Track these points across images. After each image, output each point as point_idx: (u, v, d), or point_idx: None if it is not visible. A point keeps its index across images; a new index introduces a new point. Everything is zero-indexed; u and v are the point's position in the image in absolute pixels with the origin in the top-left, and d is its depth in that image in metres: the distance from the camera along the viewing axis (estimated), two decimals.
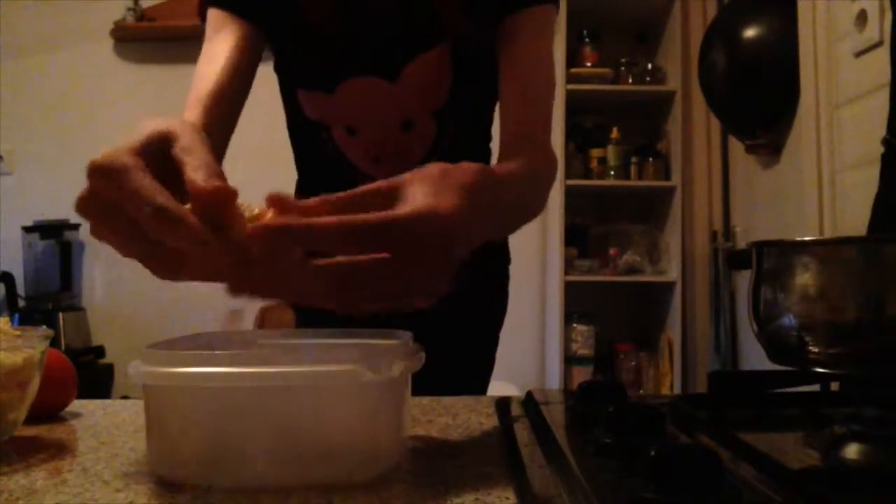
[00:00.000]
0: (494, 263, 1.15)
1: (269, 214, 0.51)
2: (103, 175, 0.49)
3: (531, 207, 0.79)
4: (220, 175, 0.51)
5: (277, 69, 1.01)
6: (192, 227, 0.47)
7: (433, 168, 0.57)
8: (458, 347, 1.04)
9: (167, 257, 0.50)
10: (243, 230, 0.49)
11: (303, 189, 1.11)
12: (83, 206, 0.50)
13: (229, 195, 0.49)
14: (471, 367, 1.11)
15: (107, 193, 0.49)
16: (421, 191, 0.53)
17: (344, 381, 0.50)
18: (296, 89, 0.99)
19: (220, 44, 0.88)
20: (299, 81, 0.98)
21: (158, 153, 0.52)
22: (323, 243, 0.49)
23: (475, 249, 0.57)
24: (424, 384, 0.80)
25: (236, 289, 0.49)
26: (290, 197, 0.53)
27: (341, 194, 0.54)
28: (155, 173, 0.49)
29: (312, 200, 0.53)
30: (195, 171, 0.50)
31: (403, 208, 0.51)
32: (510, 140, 0.84)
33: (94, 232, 0.51)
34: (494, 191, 0.62)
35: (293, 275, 0.50)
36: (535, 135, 0.86)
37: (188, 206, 0.49)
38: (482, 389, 1.12)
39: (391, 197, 0.53)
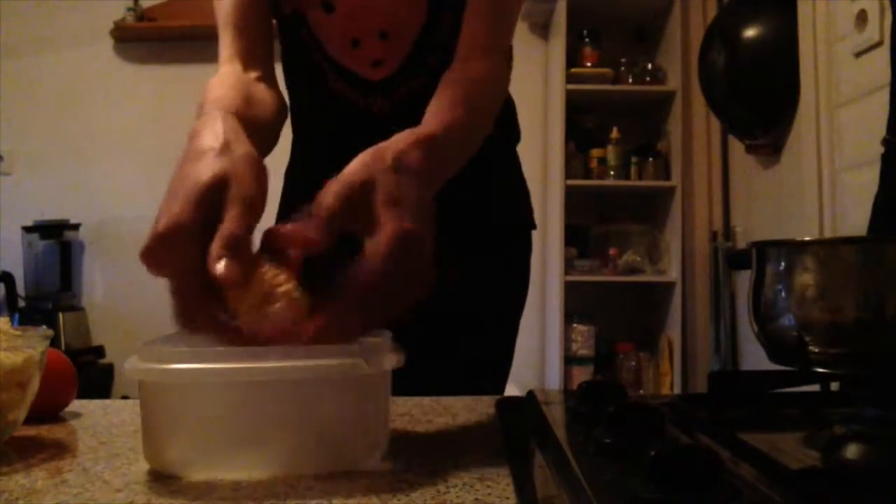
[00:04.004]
0: (512, 224, 1.06)
1: (285, 285, 0.54)
2: (171, 243, 0.53)
3: (482, 130, 0.80)
4: (236, 246, 0.53)
5: None
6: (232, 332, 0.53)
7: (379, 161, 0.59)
8: (470, 338, 0.98)
9: None
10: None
11: (298, 132, 1.05)
12: (153, 259, 0.53)
13: (229, 282, 0.52)
14: (484, 361, 1.00)
15: (175, 260, 0.53)
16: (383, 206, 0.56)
17: (340, 375, 0.52)
18: None
19: None
20: None
21: (218, 198, 0.55)
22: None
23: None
24: (430, 382, 0.80)
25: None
26: (277, 231, 0.56)
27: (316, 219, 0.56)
28: (214, 215, 0.54)
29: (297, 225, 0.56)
30: (216, 241, 0.53)
31: (372, 255, 0.54)
32: (463, 53, 0.83)
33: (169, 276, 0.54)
34: (443, 152, 0.67)
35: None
36: (491, 46, 0.84)
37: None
38: (498, 388, 1.00)
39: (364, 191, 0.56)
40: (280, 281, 0.54)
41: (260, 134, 0.74)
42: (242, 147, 0.59)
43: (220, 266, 0.52)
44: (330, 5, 0.90)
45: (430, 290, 0.56)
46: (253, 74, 0.85)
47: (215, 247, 0.52)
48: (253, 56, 0.86)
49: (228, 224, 0.53)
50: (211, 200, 0.54)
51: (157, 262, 0.53)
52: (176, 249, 0.53)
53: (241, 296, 0.53)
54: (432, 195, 0.63)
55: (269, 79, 0.88)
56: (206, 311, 0.54)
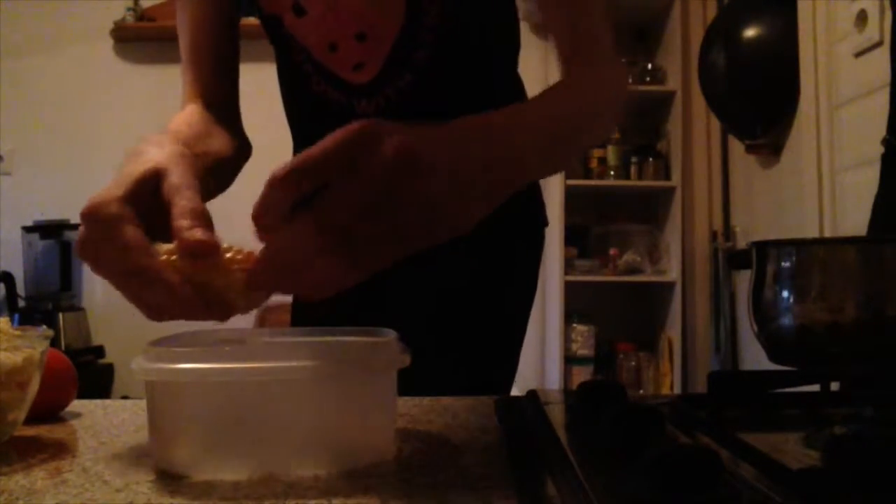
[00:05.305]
0: (525, 221, 1.01)
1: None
2: (93, 222, 0.52)
3: (598, 121, 0.75)
4: (206, 218, 0.53)
5: None
6: (169, 286, 0.51)
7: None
8: (478, 338, 0.95)
9: (152, 302, 0.54)
10: (227, 277, 0.52)
11: (292, 130, 1.03)
12: (80, 249, 0.53)
13: (209, 248, 0.51)
14: (492, 362, 0.98)
15: (99, 241, 0.52)
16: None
17: (346, 375, 0.52)
18: None
19: None
20: None
21: (151, 189, 0.55)
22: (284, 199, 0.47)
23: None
24: (431, 379, 0.79)
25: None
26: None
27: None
28: (147, 210, 0.53)
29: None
30: (181, 216, 0.52)
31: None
32: (570, 53, 0.78)
33: (94, 270, 0.54)
34: (508, 146, 0.57)
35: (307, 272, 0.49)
36: (597, 38, 0.79)
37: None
38: (504, 386, 0.98)
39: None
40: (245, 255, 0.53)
41: (213, 168, 0.74)
42: (172, 146, 0.59)
43: (197, 233, 0.51)
44: (301, 9, 0.87)
45: (462, 230, 0.50)
46: (214, 115, 0.85)
47: (183, 221, 0.51)
48: (213, 97, 0.87)
49: (185, 202, 0.53)
50: (143, 189, 0.54)
51: (95, 245, 0.52)
52: (113, 228, 0.51)
53: (209, 267, 0.52)
54: (487, 204, 0.52)
55: (229, 119, 0.88)
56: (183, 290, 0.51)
